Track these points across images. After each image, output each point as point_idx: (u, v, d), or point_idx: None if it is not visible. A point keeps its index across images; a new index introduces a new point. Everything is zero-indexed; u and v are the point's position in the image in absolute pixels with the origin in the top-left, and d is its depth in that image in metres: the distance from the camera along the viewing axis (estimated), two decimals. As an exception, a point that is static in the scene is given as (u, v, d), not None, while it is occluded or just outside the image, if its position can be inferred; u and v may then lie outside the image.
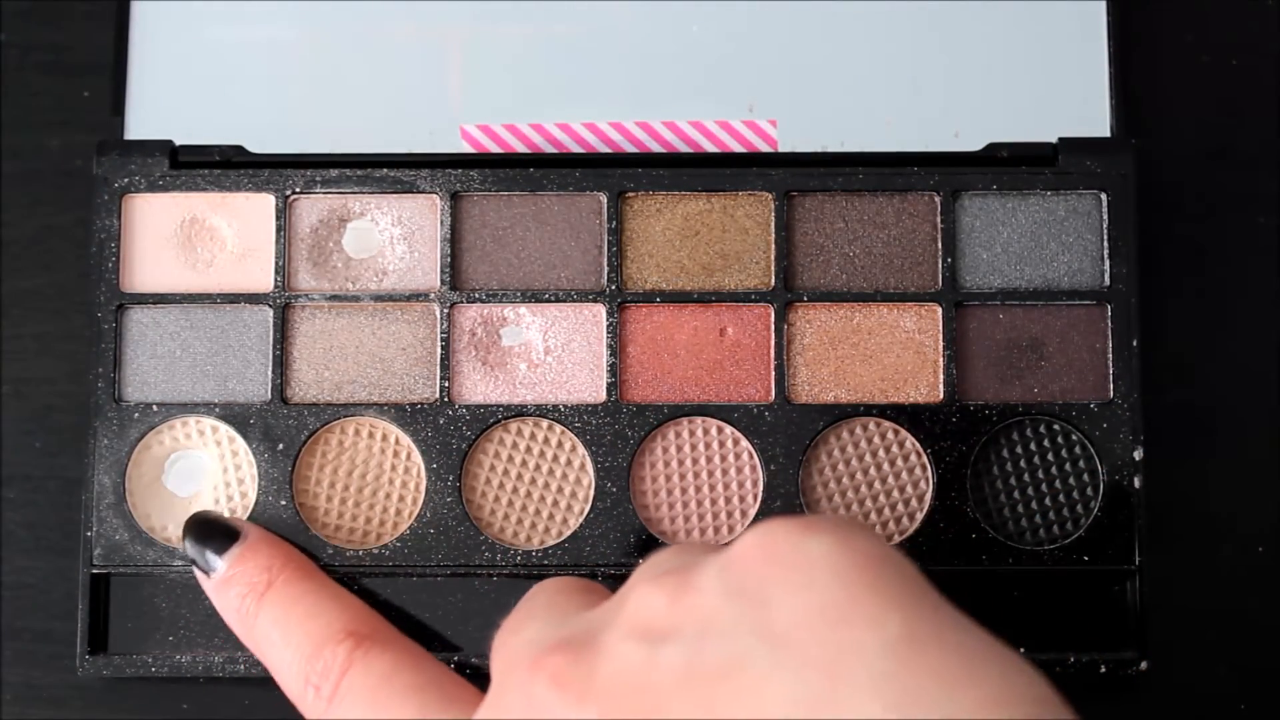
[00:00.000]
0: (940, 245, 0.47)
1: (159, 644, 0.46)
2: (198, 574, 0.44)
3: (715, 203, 0.48)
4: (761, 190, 0.47)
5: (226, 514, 0.46)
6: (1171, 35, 0.50)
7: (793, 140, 0.49)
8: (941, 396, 0.47)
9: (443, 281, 0.47)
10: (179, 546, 0.46)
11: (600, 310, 0.47)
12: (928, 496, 0.46)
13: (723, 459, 0.46)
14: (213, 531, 0.44)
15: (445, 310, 0.47)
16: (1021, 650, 0.37)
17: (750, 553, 0.31)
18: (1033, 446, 0.46)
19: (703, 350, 0.47)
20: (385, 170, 0.47)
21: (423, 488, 0.46)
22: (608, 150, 0.48)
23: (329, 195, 0.48)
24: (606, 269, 0.47)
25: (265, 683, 0.47)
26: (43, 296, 0.49)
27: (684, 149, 0.49)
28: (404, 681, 0.39)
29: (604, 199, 0.47)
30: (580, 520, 0.46)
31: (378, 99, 0.49)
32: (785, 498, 0.46)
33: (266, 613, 0.42)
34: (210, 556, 0.43)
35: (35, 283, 0.49)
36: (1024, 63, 0.49)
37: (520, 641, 0.35)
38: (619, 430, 0.46)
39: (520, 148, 0.48)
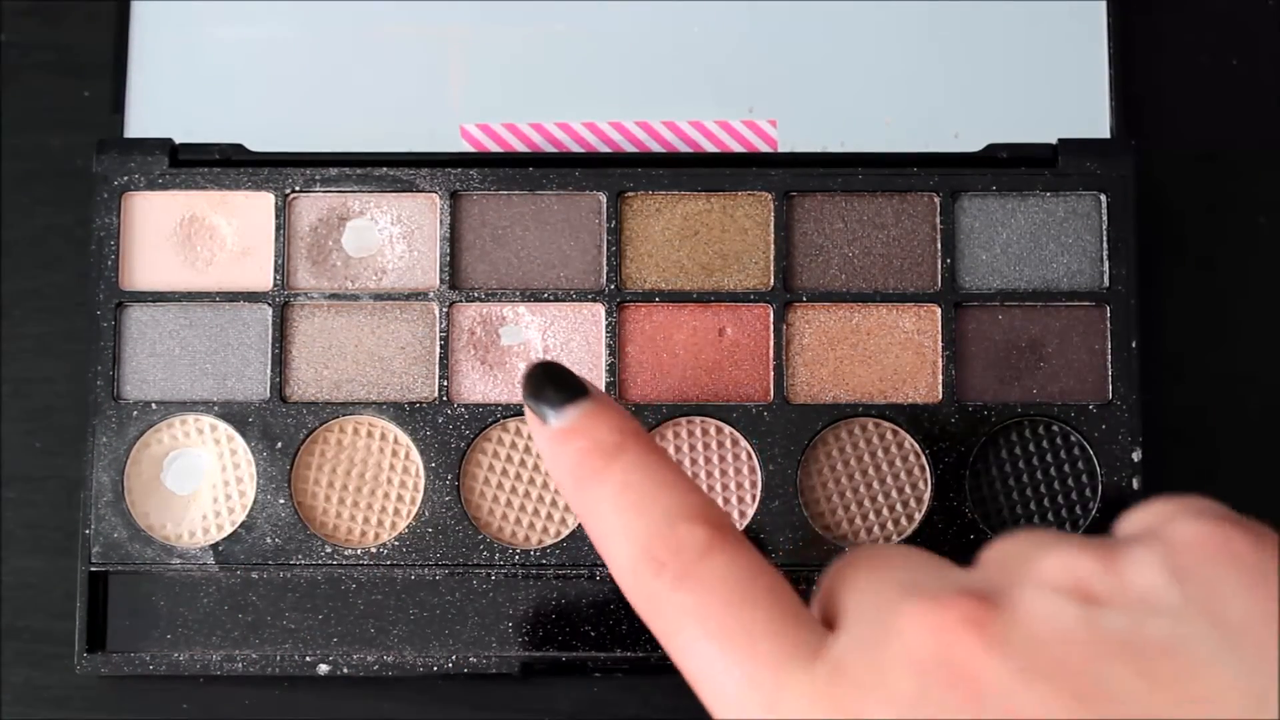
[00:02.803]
0: (940, 246, 0.47)
1: (157, 642, 0.46)
2: (530, 418, 0.39)
3: (715, 203, 0.48)
4: (761, 190, 0.47)
5: (228, 511, 0.46)
6: (1171, 35, 0.50)
7: (793, 140, 0.49)
8: (940, 397, 0.47)
9: (442, 280, 0.47)
10: (177, 544, 0.46)
11: (599, 310, 0.47)
12: (926, 497, 0.46)
13: (721, 459, 0.46)
14: (563, 381, 0.39)
15: (444, 309, 0.47)
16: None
17: (1201, 541, 0.31)
18: (1031, 447, 0.46)
19: (702, 350, 0.47)
20: (385, 169, 0.47)
21: (421, 487, 0.46)
22: (608, 150, 0.48)
23: (328, 194, 0.48)
24: (606, 269, 0.47)
25: (265, 682, 0.47)
26: (43, 296, 0.49)
27: (684, 149, 0.49)
28: (764, 585, 0.35)
29: (604, 199, 0.47)
30: (579, 520, 0.46)
31: (377, 99, 0.49)
32: (784, 498, 0.46)
33: (614, 474, 0.37)
34: (556, 401, 0.39)
35: (35, 283, 0.49)
36: (1024, 63, 0.49)
37: (898, 579, 0.33)
38: (618, 430, 0.46)
39: (520, 147, 0.48)
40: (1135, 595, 0.30)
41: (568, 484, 0.38)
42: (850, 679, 0.32)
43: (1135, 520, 0.34)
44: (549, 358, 0.45)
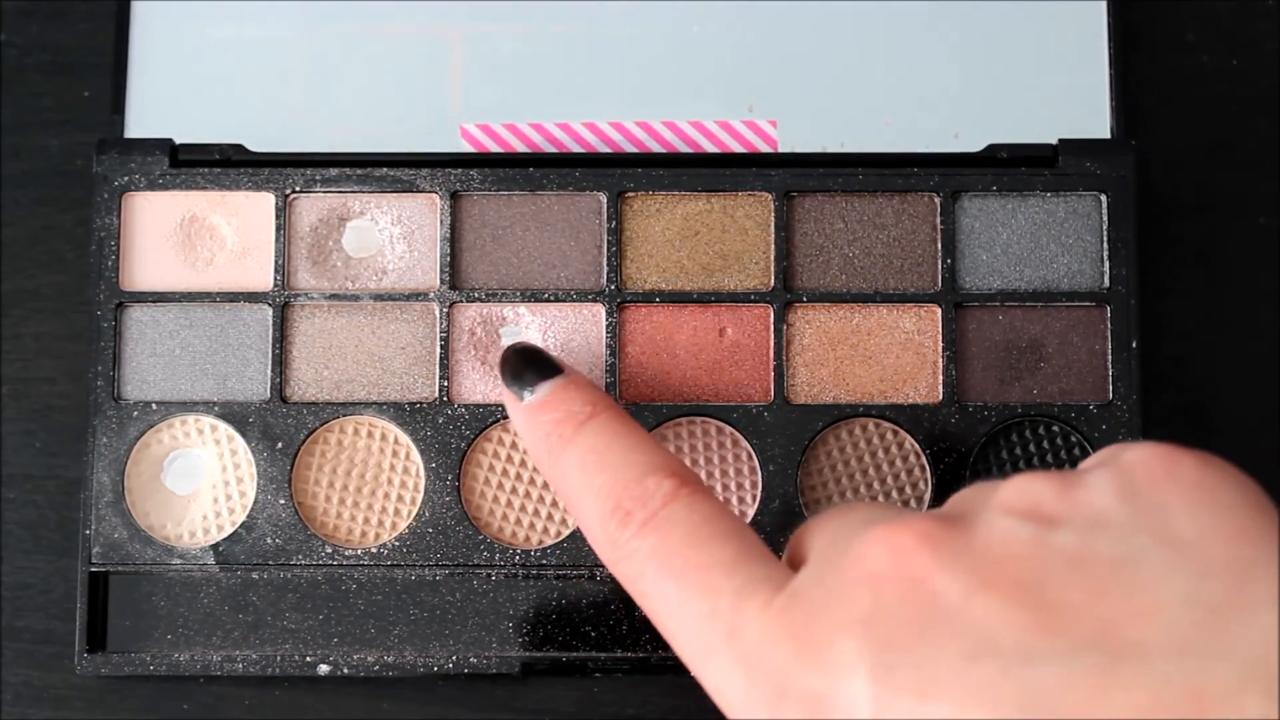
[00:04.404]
0: (940, 246, 0.47)
1: (157, 642, 0.46)
2: (507, 398, 0.41)
3: (715, 203, 0.48)
4: (761, 190, 0.47)
5: (228, 511, 0.46)
6: (1171, 35, 0.50)
7: (793, 140, 0.49)
8: (941, 397, 0.47)
9: (442, 281, 0.47)
10: (177, 544, 0.46)
11: (600, 310, 0.47)
12: (926, 497, 0.46)
13: (721, 459, 0.46)
14: (537, 360, 0.42)
15: (444, 309, 0.47)
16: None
17: (1150, 464, 0.32)
18: (1032, 448, 0.46)
19: (702, 351, 0.47)
20: (385, 169, 0.47)
21: (421, 487, 0.46)
22: (608, 150, 0.48)
23: (329, 194, 0.48)
24: (606, 269, 0.47)
25: (265, 682, 0.47)
26: (43, 296, 0.49)
27: (684, 149, 0.49)
28: (726, 526, 0.36)
29: (604, 199, 0.47)
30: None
31: (377, 99, 0.49)
32: (784, 498, 0.46)
33: (585, 439, 0.39)
34: (531, 380, 0.41)
35: (35, 283, 0.49)
36: (1024, 63, 0.49)
37: (854, 518, 0.34)
38: (618, 430, 0.46)
39: (520, 147, 0.48)
40: (1087, 514, 0.31)
41: (541, 453, 0.40)
42: (808, 603, 0.32)
43: (1095, 457, 0.34)
44: (526, 341, 0.46)
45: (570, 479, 0.39)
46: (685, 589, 0.35)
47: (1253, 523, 0.31)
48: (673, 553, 0.36)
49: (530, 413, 0.40)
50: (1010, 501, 0.32)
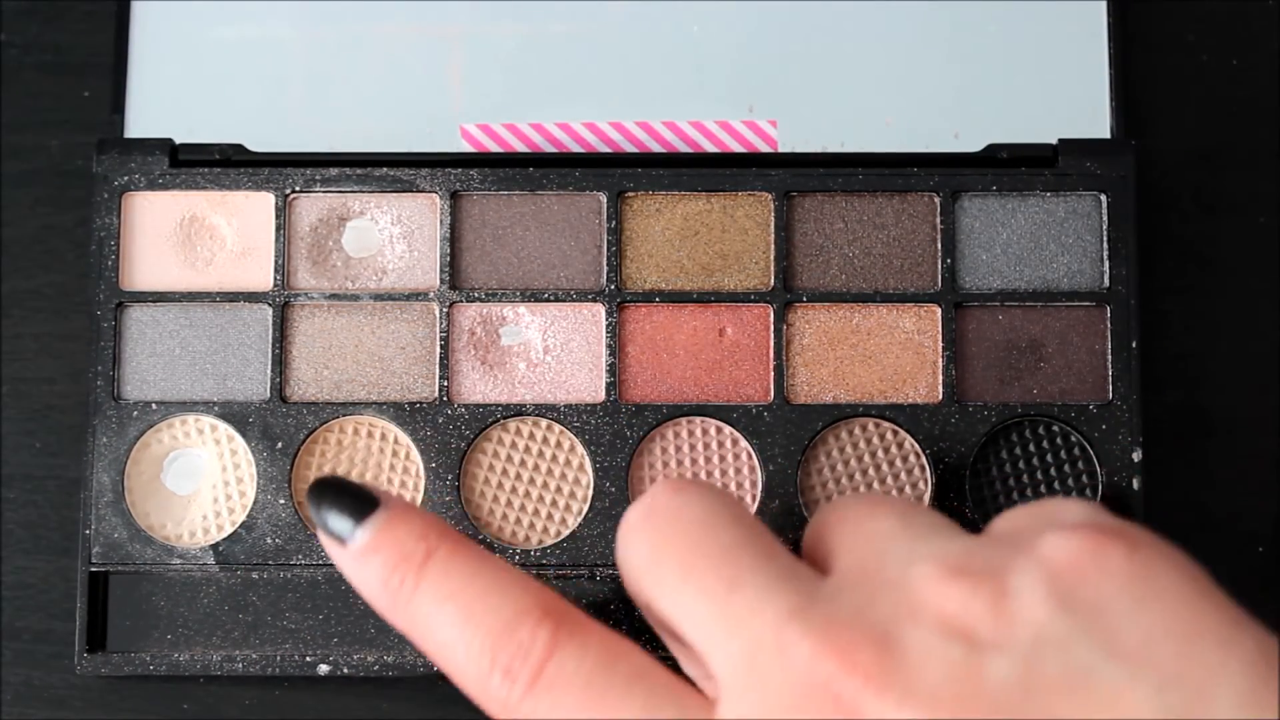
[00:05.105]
0: (940, 246, 0.47)
1: (157, 642, 0.46)
2: (327, 543, 0.37)
3: (715, 203, 0.48)
4: (761, 190, 0.47)
5: (228, 511, 0.46)
6: (1171, 35, 0.50)
7: (793, 140, 0.49)
8: (940, 397, 0.47)
9: (442, 281, 0.47)
10: (177, 544, 0.46)
11: (599, 310, 0.47)
12: (926, 497, 0.46)
13: (721, 459, 0.46)
14: (346, 494, 0.36)
15: (444, 309, 0.47)
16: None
17: (1077, 561, 0.30)
18: (1032, 448, 0.46)
19: (702, 350, 0.47)
20: (385, 169, 0.47)
21: (421, 487, 0.46)
22: (608, 150, 0.48)
23: (328, 194, 0.48)
24: (606, 269, 0.47)
25: (265, 682, 0.47)
26: (43, 296, 0.49)
27: (684, 149, 0.49)
28: (625, 670, 0.33)
29: (604, 199, 0.47)
30: (579, 520, 0.46)
31: (378, 99, 0.49)
32: (784, 498, 0.46)
33: (431, 587, 0.35)
34: (345, 523, 0.36)
35: (35, 283, 0.49)
36: (1024, 63, 0.49)
37: (773, 616, 0.31)
38: (618, 430, 0.46)
39: (520, 147, 0.48)
40: (1027, 633, 0.29)
41: (384, 604, 0.36)
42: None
43: (1005, 522, 0.33)
44: (328, 473, 0.42)
45: (428, 632, 0.35)
46: None
47: (1196, 611, 0.29)
48: (575, 714, 0.32)
49: (359, 561, 0.36)
50: (941, 619, 0.30)
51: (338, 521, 0.36)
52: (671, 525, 0.34)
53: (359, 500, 0.36)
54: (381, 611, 0.36)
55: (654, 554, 0.34)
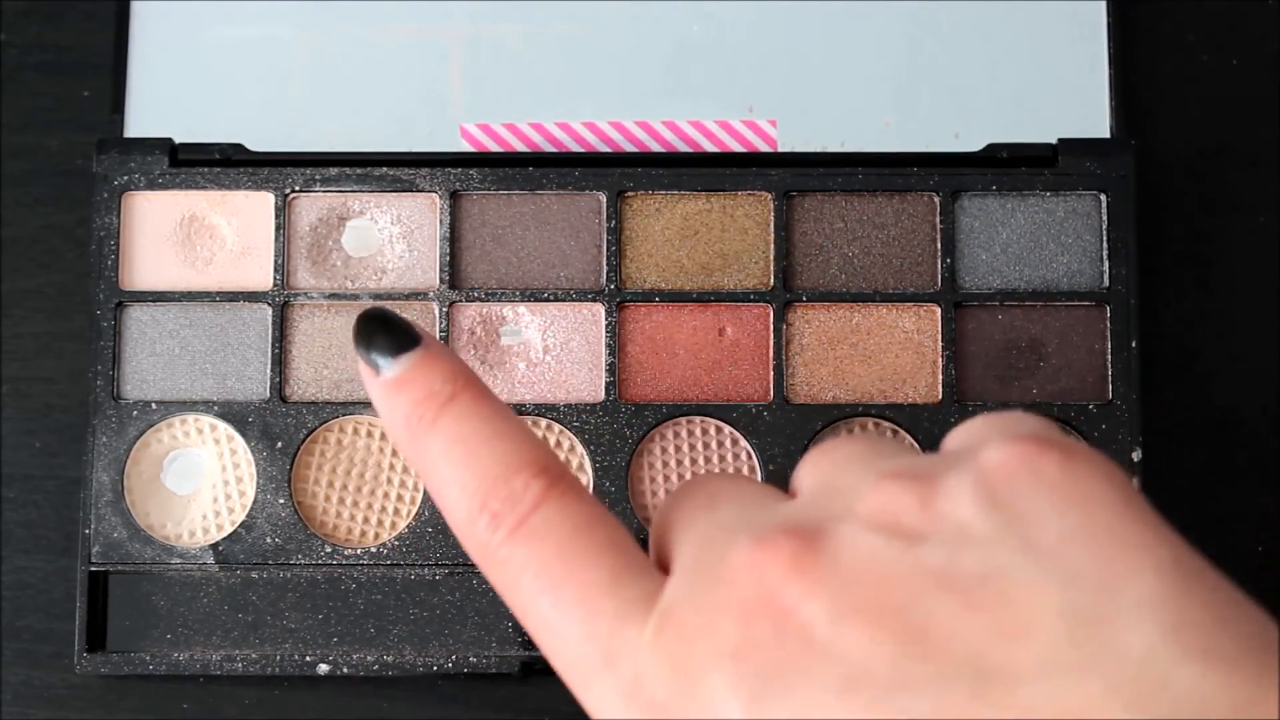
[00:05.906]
0: (939, 246, 0.47)
1: (157, 642, 0.46)
2: (361, 370, 0.37)
3: (715, 203, 0.48)
4: (761, 190, 0.47)
5: (228, 511, 0.46)
6: (1171, 35, 0.50)
7: (793, 140, 0.49)
8: (940, 397, 0.47)
9: (442, 280, 0.47)
10: (177, 544, 0.46)
11: (599, 310, 0.47)
12: (927, 497, 0.46)
13: (721, 459, 0.46)
14: (392, 329, 0.37)
15: (444, 309, 0.47)
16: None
17: (1012, 467, 0.31)
18: (1032, 447, 0.46)
19: (701, 350, 0.47)
20: (385, 169, 0.47)
21: (421, 487, 0.46)
22: (607, 150, 0.48)
23: (328, 194, 0.48)
24: (606, 268, 0.47)
25: (265, 682, 0.47)
26: (43, 296, 0.49)
27: (684, 149, 0.49)
28: (601, 537, 0.34)
29: (603, 198, 0.47)
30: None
31: (378, 99, 0.49)
32: (784, 497, 0.46)
33: (448, 424, 0.36)
34: (383, 355, 0.37)
35: (35, 282, 0.49)
36: (1024, 63, 0.49)
37: (721, 519, 0.33)
38: (617, 430, 0.46)
39: (520, 147, 0.48)
40: (951, 528, 0.30)
41: (401, 436, 0.37)
42: (679, 627, 0.32)
43: (956, 437, 0.33)
44: (380, 305, 0.43)
45: (433, 468, 0.36)
46: (561, 608, 0.33)
47: (1119, 517, 0.30)
48: (545, 567, 0.34)
49: (389, 390, 0.37)
50: (873, 514, 0.31)
51: (376, 352, 0.37)
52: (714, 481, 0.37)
53: (401, 335, 0.37)
54: (398, 444, 0.37)
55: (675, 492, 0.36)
